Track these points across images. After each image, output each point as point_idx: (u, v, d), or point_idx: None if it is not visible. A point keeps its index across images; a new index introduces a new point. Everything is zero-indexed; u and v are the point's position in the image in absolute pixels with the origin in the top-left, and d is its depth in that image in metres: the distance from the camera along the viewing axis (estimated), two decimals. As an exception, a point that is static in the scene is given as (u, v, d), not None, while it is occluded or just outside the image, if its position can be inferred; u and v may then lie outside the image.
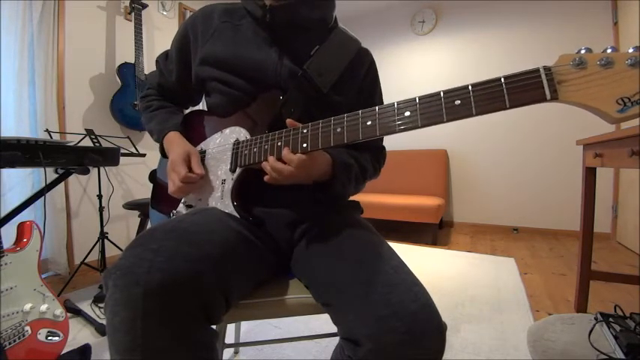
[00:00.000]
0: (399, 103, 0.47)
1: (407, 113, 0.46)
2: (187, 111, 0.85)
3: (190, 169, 0.67)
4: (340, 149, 0.64)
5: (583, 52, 0.38)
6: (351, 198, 0.79)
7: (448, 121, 0.43)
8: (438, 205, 2.56)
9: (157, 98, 0.82)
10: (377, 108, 0.48)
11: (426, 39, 3.36)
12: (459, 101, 0.42)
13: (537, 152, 2.91)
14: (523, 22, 2.90)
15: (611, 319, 1.05)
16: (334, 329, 0.51)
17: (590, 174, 1.31)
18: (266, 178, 0.57)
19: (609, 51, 0.37)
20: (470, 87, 0.42)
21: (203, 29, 0.71)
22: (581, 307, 1.35)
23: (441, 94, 0.43)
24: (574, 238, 2.64)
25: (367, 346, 0.43)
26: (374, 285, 0.47)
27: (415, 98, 0.45)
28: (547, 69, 0.39)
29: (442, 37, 3.27)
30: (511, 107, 0.40)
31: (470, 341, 1.18)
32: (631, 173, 2.33)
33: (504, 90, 0.40)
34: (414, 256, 2.26)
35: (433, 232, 2.60)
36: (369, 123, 0.49)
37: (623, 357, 0.91)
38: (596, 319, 1.09)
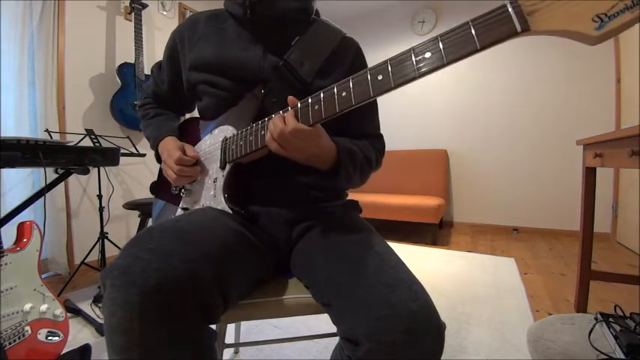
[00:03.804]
0: (370, 69, 0.46)
1: (380, 77, 0.45)
2: (182, 119, 0.87)
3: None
4: (341, 138, 0.63)
5: None
6: (350, 197, 0.79)
7: (421, 75, 0.42)
8: (438, 205, 2.56)
9: (153, 106, 0.84)
10: (350, 78, 0.48)
11: (426, 39, 3.35)
12: (430, 53, 0.42)
13: (537, 152, 2.91)
14: (523, 22, 2.90)
15: (611, 319, 1.05)
16: (334, 329, 0.51)
17: (590, 174, 1.31)
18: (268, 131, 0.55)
19: None
20: (438, 37, 0.42)
21: (189, 36, 0.72)
22: (581, 307, 1.35)
23: (411, 50, 0.43)
24: (574, 238, 2.64)
25: (366, 345, 0.43)
26: (373, 285, 0.47)
27: (386, 61, 0.45)
28: (513, 2, 0.38)
29: (442, 37, 3.27)
30: (482, 48, 0.39)
31: (470, 341, 1.18)
32: (631, 173, 2.33)
33: (472, 32, 0.39)
34: (414, 256, 2.26)
35: (433, 232, 2.60)
36: (344, 94, 0.48)
37: (623, 357, 0.91)
38: (596, 319, 1.09)
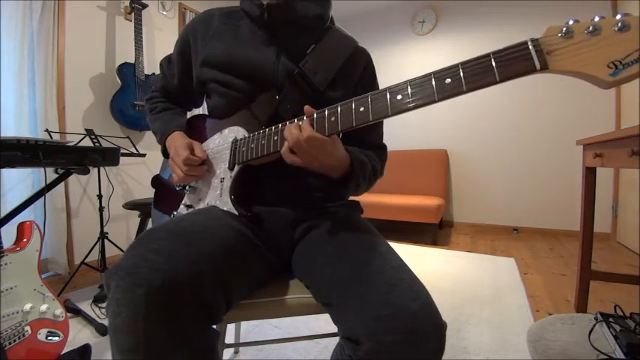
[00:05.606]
0: (390, 87, 0.47)
1: (399, 97, 0.46)
2: (190, 114, 0.86)
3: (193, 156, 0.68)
4: (353, 148, 0.64)
5: (571, 23, 0.39)
6: (351, 198, 0.79)
7: (440, 100, 0.43)
8: (438, 205, 2.56)
9: (161, 100, 0.84)
10: (369, 94, 0.48)
11: (426, 39, 3.36)
12: (450, 79, 0.43)
13: (537, 152, 2.91)
14: (523, 23, 2.90)
15: (611, 319, 1.05)
16: (334, 329, 0.51)
17: (590, 174, 1.31)
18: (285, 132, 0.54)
19: (597, 19, 0.38)
20: (460, 65, 0.42)
21: (202, 32, 0.72)
22: (581, 307, 1.35)
23: (432, 74, 0.44)
24: (574, 238, 2.64)
25: (367, 345, 0.43)
26: (374, 284, 0.47)
27: (406, 82, 0.46)
28: (534, 40, 0.39)
29: (442, 37, 3.27)
30: (502, 81, 0.40)
31: (470, 341, 1.18)
32: (631, 173, 2.33)
33: (493, 64, 0.40)
34: (414, 256, 2.26)
35: (433, 232, 2.61)
36: (362, 109, 0.49)
37: (623, 357, 0.91)
38: (596, 319, 1.09)
